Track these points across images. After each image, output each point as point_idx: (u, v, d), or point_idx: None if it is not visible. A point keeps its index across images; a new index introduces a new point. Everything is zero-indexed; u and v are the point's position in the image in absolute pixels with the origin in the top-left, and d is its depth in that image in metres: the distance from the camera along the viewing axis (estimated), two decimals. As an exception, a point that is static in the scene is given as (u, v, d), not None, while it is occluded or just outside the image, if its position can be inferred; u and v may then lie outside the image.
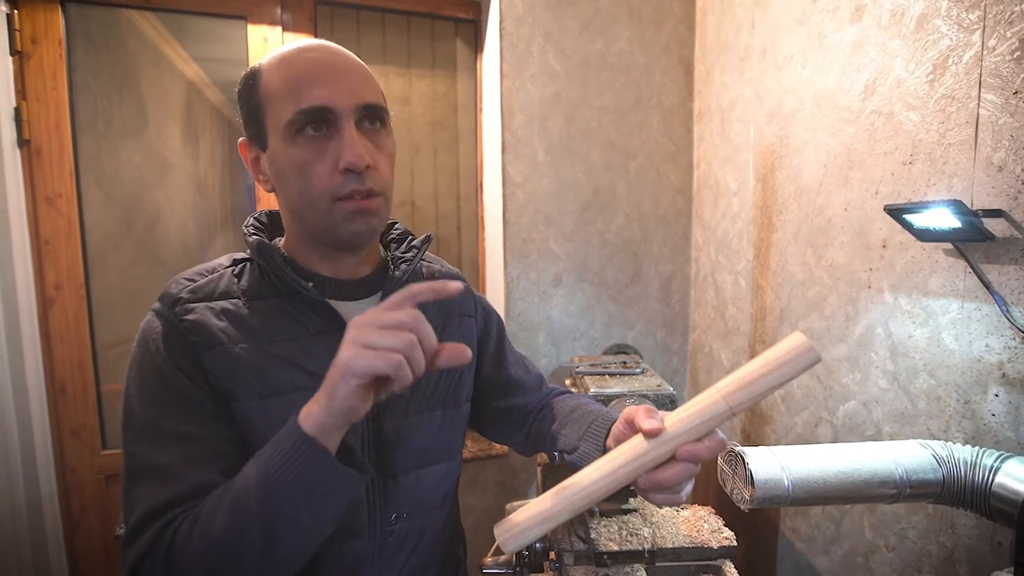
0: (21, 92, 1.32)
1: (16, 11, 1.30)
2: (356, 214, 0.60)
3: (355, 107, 0.59)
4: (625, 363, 1.39)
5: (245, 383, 0.58)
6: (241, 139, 0.65)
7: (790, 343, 0.49)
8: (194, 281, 0.62)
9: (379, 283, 0.70)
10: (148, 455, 0.54)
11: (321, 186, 0.58)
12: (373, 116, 0.61)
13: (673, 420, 0.51)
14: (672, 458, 0.51)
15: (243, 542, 0.48)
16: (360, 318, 0.47)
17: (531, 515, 0.51)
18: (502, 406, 0.83)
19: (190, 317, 0.58)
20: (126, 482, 0.55)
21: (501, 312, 1.61)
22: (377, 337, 0.45)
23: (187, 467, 0.54)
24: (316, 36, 1.59)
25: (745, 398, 0.49)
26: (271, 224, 0.71)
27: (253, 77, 0.61)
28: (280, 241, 0.69)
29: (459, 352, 0.48)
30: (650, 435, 0.51)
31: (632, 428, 0.54)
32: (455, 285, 0.50)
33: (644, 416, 0.52)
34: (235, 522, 0.48)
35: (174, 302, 0.59)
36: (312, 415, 0.48)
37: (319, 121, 0.58)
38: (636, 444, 0.52)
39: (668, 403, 1.13)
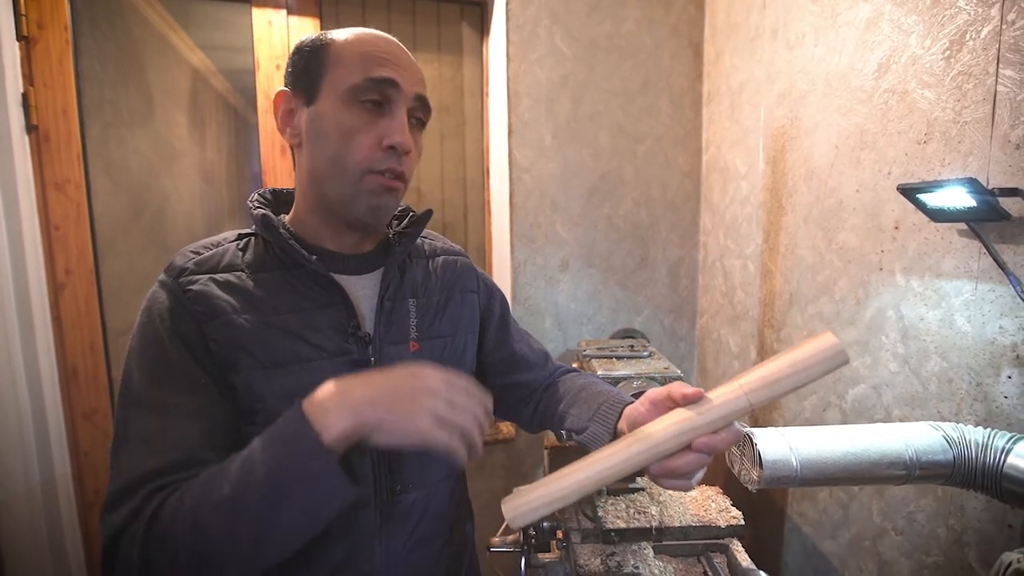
0: (28, 77, 1.32)
1: (22, -5, 1.29)
2: (382, 189, 0.63)
3: (413, 95, 0.63)
4: (633, 347, 1.38)
5: (248, 353, 0.58)
6: (282, 89, 0.65)
7: (820, 344, 0.48)
8: (199, 254, 0.63)
9: (382, 258, 0.70)
10: (138, 422, 0.55)
11: (360, 156, 0.61)
12: (421, 112, 0.66)
13: (693, 411, 0.51)
14: (687, 447, 0.51)
15: (234, 535, 0.47)
16: (427, 382, 0.51)
17: (541, 493, 0.51)
18: (507, 382, 0.83)
19: (194, 288, 0.59)
20: (114, 447, 0.55)
21: (508, 297, 1.61)
22: (447, 410, 0.49)
23: (175, 438, 0.54)
24: (321, 20, 1.58)
25: (766, 396, 0.49)
26: (275, 201, 0.72)
27: (324, 40, 0.63)
28: (285, 217, 0.70)
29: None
30: (691, 400, 0.52)
31: (654, 409, 0.56)
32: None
33: (679, 387, 0.55)
34: (231, 514, 0.47)
35: (179, 273, 0.60)
36: (338, 427, 0.48)
37: (381, 95, 0.61)
38: (652, 433, 0.52)
39: (675, 387, 1.12)
